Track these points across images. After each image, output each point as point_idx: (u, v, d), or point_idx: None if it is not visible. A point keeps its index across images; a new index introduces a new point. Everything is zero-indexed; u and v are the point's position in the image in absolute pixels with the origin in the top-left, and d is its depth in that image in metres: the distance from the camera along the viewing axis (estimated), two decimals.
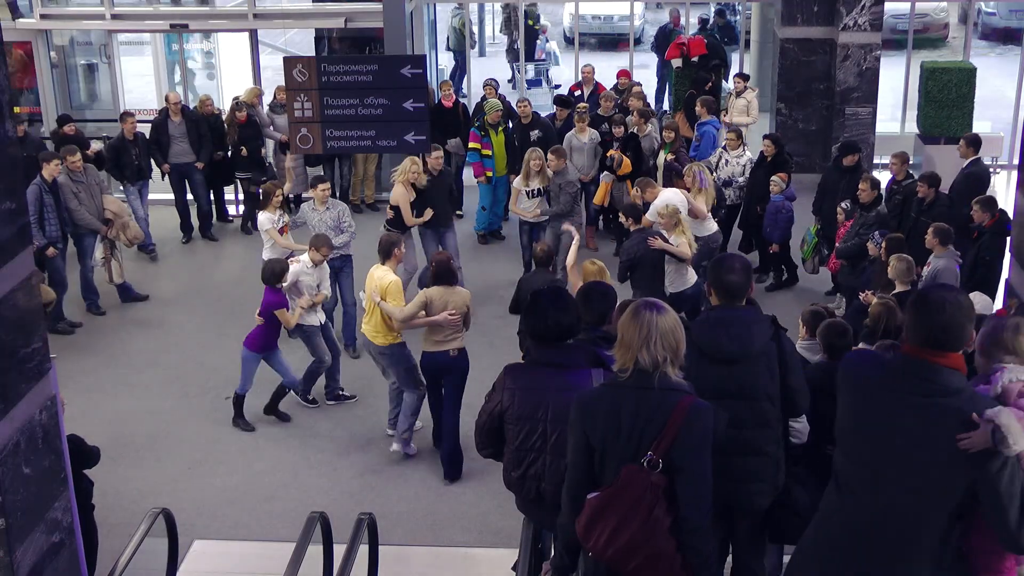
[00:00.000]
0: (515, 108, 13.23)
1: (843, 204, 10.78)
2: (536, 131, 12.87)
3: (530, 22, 19.30)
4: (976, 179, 11.05)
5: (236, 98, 13.82)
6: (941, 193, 10.39)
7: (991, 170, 15.58)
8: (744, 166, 12.03)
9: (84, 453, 6.51)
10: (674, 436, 3.94)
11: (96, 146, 13.39)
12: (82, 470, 6.48)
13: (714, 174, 11.84)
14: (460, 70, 18.54)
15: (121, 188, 13.19)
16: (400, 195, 10.93)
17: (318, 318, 9.52)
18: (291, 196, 12.96)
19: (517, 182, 11.77)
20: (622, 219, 10.41)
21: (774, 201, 11.45)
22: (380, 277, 8.62)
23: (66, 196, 11.11)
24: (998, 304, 8.56)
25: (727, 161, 12.05)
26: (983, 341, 3.98)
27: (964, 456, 3.44)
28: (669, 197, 10.37)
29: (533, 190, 11.60)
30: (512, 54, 19.77)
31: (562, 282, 9.26)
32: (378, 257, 8.85)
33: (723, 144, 12.34)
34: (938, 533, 3.59)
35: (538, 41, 20.53)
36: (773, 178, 11.44)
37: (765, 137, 12.16)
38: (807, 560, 3.95)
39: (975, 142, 11.48)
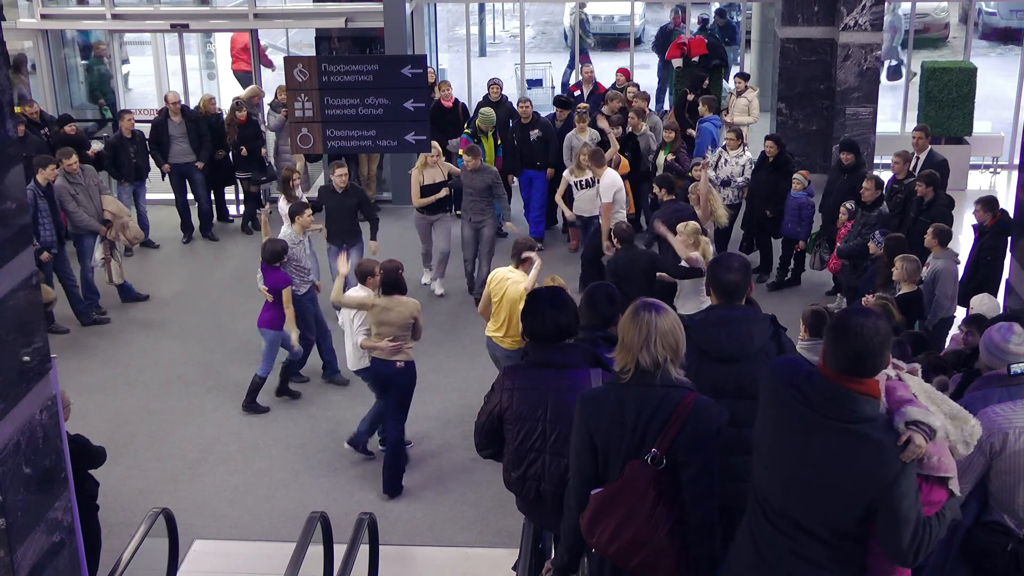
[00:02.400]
0: (516, 108, 13.24)
1: (847, 204, 10.75)
2: (536, 131, 12.89)
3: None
4: (946, 168, 11.30)
5: (236, 98, 13.82)
6: (940, 193, 10.40)
7: (992, 171, 15.66)
8: (743, 166, 12.02)
9: (90, 453, 6.46)
10: (677, 432, 3.96)
11: (97, 146, 13.39)
12: (87, 470, 6.44)
13: (713, 173, 11.84)
14: (571, 67, 18.59)
15: (121, 186, 13.14)
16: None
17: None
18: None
19: (567, 174, 12.03)
20: (655, 190, 10.39)
21: (796, 198, 11.42)
22: (517, 282, 8.36)
23: (63, 198, 11.07)
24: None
25: (726, 161, 12.04)
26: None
27: (871, 482, 3.51)
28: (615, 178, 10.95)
29: (582, 181, 11.66)
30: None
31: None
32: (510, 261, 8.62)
33: (723, 144, 12.34)
34: (839, 548, 3.66)
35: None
36: (796, 176, 11.45)
37: (767, 138, 12.14)
38: (733, 566, 3.97)
39: (928, 132, 11.95)
